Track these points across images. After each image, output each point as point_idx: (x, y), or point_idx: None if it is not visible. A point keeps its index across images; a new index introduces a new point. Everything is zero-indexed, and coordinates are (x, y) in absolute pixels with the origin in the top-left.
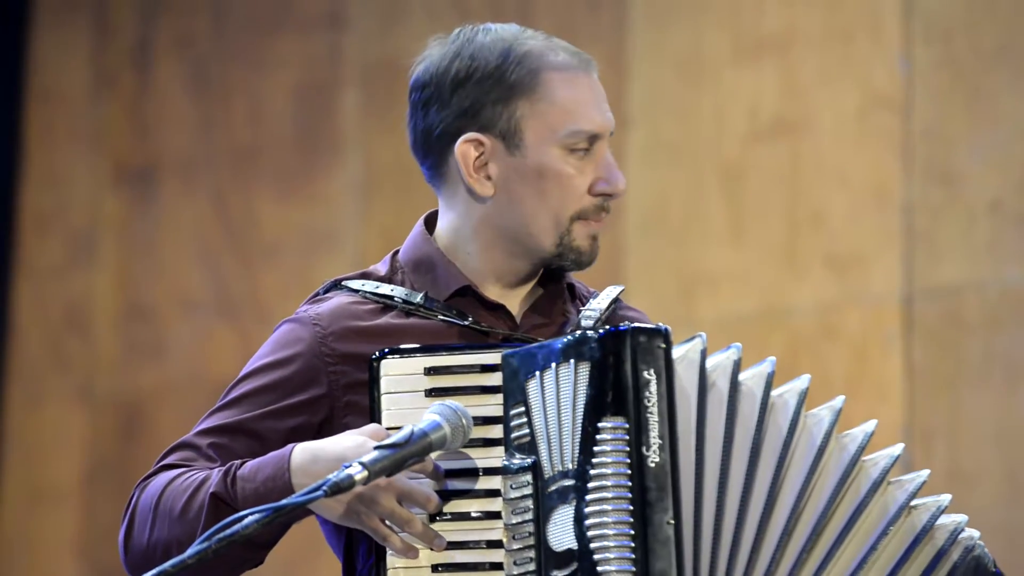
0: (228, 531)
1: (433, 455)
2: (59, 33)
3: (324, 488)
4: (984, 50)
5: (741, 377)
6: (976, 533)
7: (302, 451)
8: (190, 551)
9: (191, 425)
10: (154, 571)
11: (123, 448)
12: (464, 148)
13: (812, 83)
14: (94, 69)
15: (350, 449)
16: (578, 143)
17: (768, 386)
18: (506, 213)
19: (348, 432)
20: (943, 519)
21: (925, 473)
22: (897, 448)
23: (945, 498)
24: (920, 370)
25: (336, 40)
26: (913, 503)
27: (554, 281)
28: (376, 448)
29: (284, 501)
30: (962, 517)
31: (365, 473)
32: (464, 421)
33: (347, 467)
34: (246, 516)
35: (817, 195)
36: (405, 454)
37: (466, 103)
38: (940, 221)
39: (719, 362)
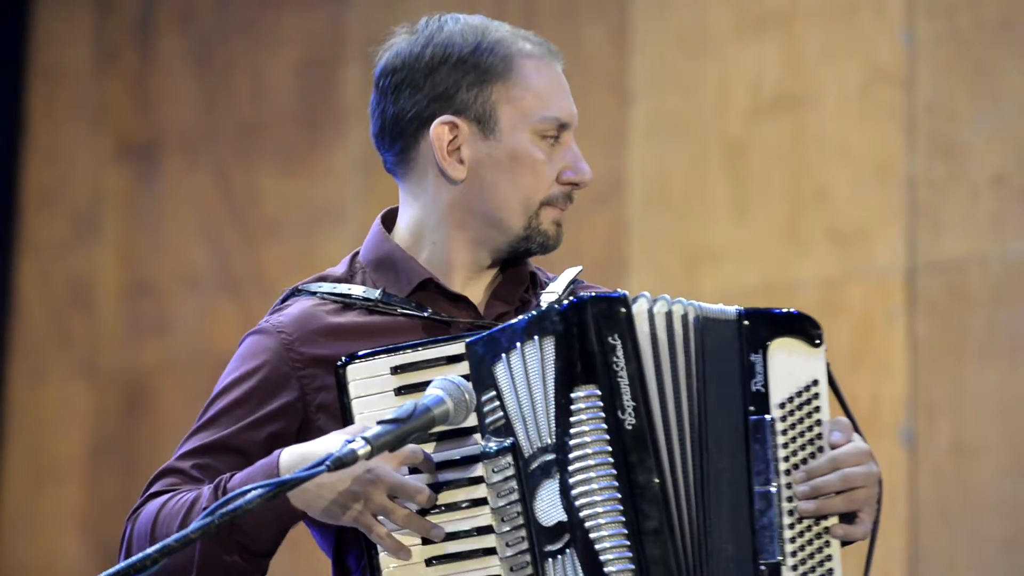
0: (231, 506)
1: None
2: (61, 9)
3: (327, 463)
4: (987, 25)
5: (673, 324)
6: (668, 297)
7: (289, 453)
8: (193, 526)
9: (193, 401)
10: (157, 545)
11: (126, 424)
12: (439, 130)
13: (815, 58)
14: (96, 45)
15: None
16: (549, 129)
17: (685, 326)
18: (477, 196)
19: (334, 432)
20: (677, 311)
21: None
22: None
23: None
24: (924, 345)
25: (339, 15)
26: None
27: (515, 269)
28: (379, 423)
29: (287, 476)
30: (642, 294)
31: (368, 448)
32: (467, 395)
33: (350, 442)
34: (249, 491)
35: (820, 170)
36: (408, 429)
37: (440, 87)
38: (943, 195)
39: (656, 315)
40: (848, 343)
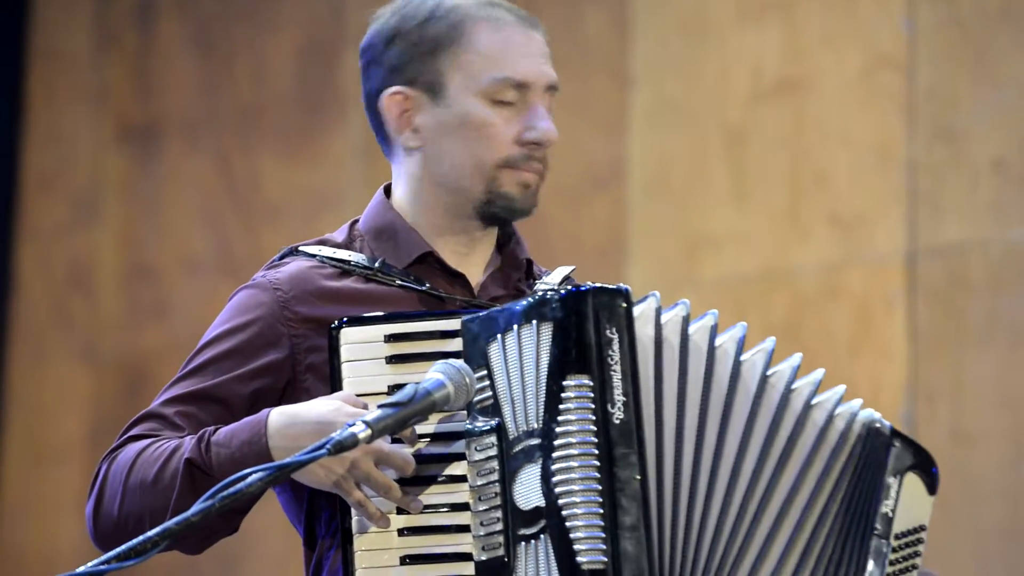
0: (232, 488)
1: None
2: None
3: (328, 446)
4: (988, 10)
5: (689, 332)
6: (858, 403)
7: (279, 415)
8: (194, 509)
9: None
10: (158, 528)
11: (126, 407)
12: (387, 101)
13: (816, 43)
14: (97, 29)
15: (327, 413)
16: (500, 91)
17: (712, 341)
18: (435, 164)
19: (323, 397)
20: (841, 408)
21: (819, 373)
22: (818, 373)
23: (839, 389)
24: (923, 330)
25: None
26: (815, 401)
27: (513, 256)
28: (379, 407)
29: (288, 459)
30: (839, 388)
31: (369, 431)
32: (467, 380)
33: (351, 425)
34: (249, 474)
35: (820, 155)
36: (408, 412)
37: (394, 60)
38: (944, 181)
39: (670, 318)
40: (848, 329)
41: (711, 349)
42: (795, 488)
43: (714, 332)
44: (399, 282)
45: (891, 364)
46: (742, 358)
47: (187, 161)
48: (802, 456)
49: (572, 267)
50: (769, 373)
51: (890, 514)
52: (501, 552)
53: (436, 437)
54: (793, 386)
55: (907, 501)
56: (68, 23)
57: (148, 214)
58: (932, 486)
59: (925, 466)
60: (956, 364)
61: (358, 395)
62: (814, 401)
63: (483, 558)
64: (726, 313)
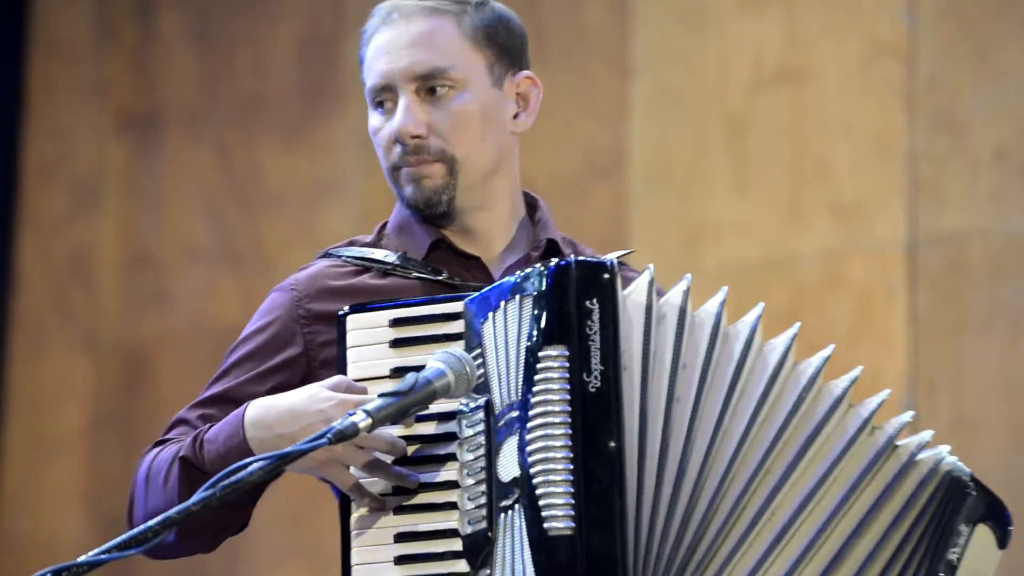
0: (233, 478)
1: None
2: None
3: (328, 436)
4: (988, 0)
5: (694, 310)
6: (945, 449)
7: (255, 406)
8: (195, 498)
9: (194, 374)
10: (159, 518)
11: (127, 397)
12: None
13: (817, 32)
14: (97, 20)
15: (300, 402)
16: (375, 97)
17: (718, 316)
18: None
19: (302, 388)
20: (906, 438)
21: (885, 393)
22: (856, 371)
23: (907, 415)
24: (924, 319)
25: None
26: (876, 425)
27: (533, 235)
28: (380, 396)
29: (289, 448)
30: (926, 433)
31: (369, 420)
32: (468, 368)
33: (351, 415)
34: (251, 463)
35: (821, 144)
36: (409, 402)
37: None
38: (945, 170)
39: (669, 295)
40: (848, 317)
41: (716, 325)
42: (821, 485)
43: (721, 308)
44: (415, 274)
45: (892, 353)
46: (757, 340)
47: (187, 151)
48: (832, 453)
49: (627, 251)
50: (794, 360)
51: (955, 562)
52: (484, 525)
53: (430, 418)
54: (823, 379)
55: (976, 551)
56: (68, 14)
57: (149, 204)
58: (1003, 540)
59: (1000, 519)
60: (957, 353)
61: (360, 379)
62: (860, 406)
63: (468, 531)
64: (727, 302)
